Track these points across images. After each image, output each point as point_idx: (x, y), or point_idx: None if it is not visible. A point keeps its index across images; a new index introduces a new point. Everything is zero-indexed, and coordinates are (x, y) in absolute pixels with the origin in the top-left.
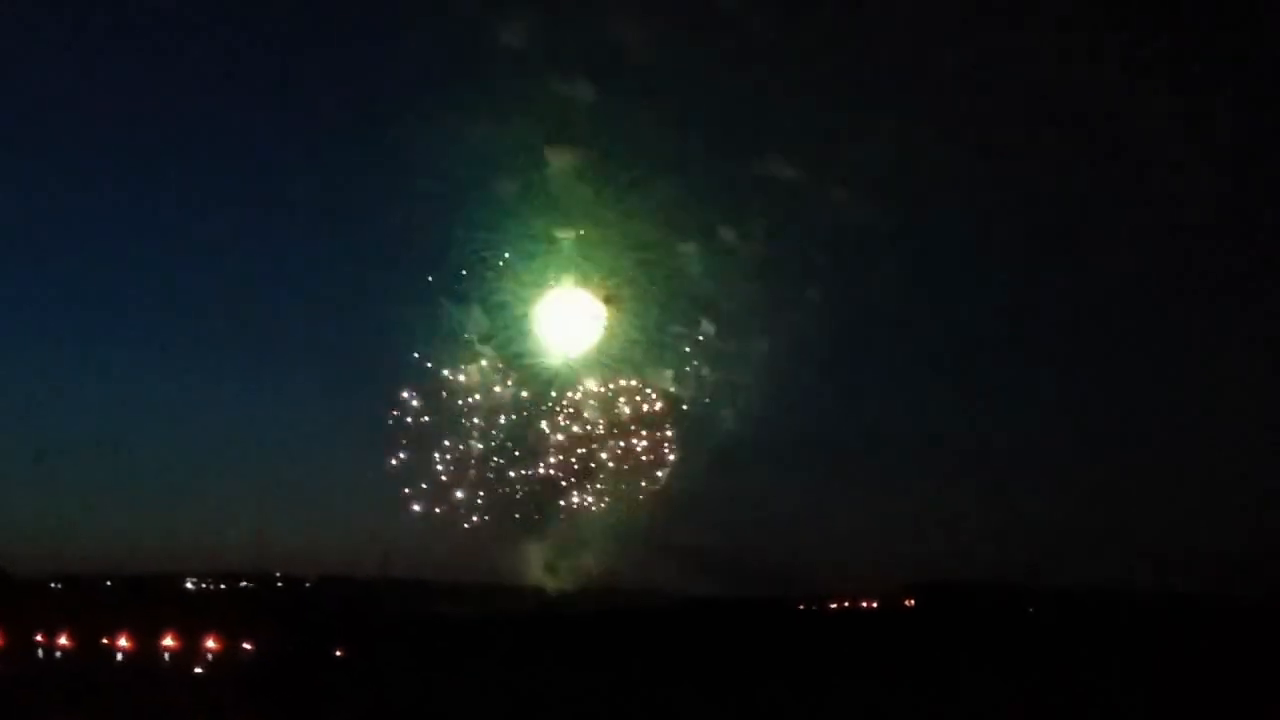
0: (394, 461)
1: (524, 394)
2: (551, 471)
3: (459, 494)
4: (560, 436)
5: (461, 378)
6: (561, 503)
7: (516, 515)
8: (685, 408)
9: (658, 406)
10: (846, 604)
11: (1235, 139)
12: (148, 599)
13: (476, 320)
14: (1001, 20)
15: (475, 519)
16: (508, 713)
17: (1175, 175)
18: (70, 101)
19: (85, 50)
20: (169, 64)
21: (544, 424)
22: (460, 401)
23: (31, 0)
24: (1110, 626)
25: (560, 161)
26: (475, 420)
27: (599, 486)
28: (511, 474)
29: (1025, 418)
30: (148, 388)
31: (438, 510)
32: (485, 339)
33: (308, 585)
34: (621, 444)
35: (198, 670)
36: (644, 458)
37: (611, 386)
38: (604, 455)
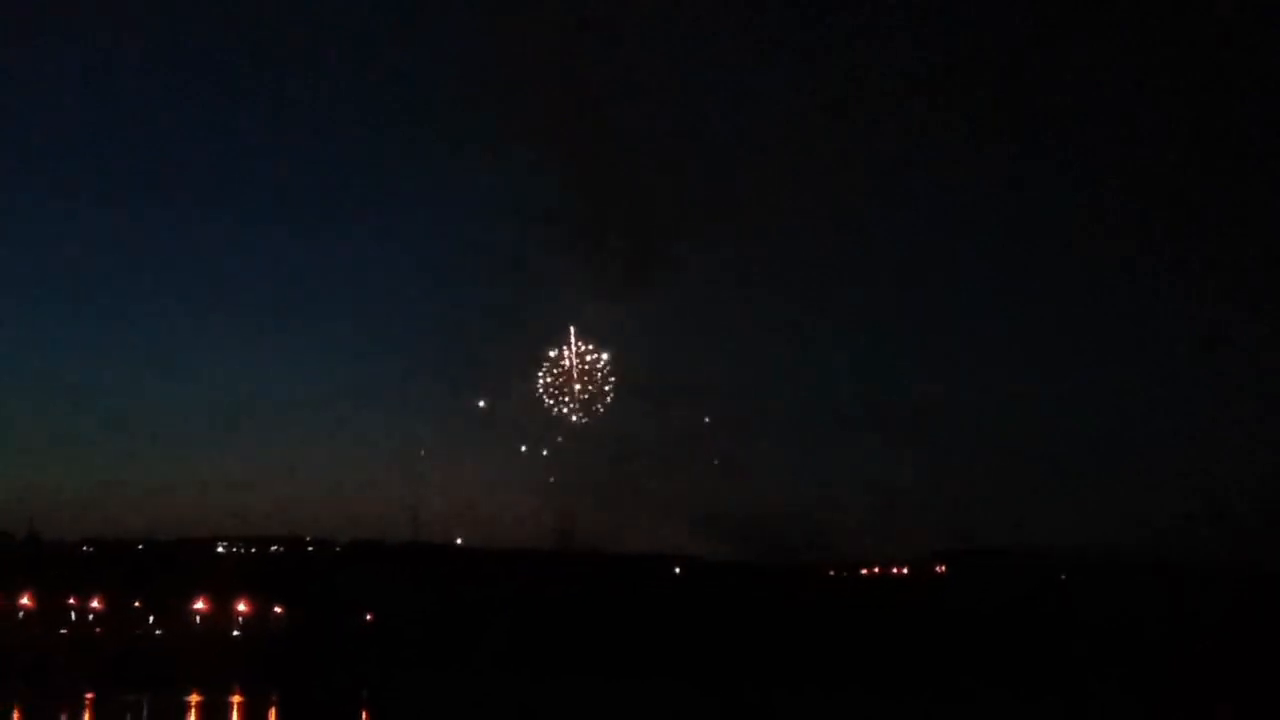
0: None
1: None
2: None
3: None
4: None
5: None
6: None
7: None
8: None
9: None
10: (877, 570)
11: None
12: (179, 563)
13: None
14: None
15: None
16: (534, 680)
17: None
18: (89, 100)
19: (112, 54)
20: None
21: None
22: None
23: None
24: (1139, 593)
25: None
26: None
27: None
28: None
29: (1054, 388)
30: (179, 355)
31: None
32: None
33: (338, 549)
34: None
35: (231, 633)
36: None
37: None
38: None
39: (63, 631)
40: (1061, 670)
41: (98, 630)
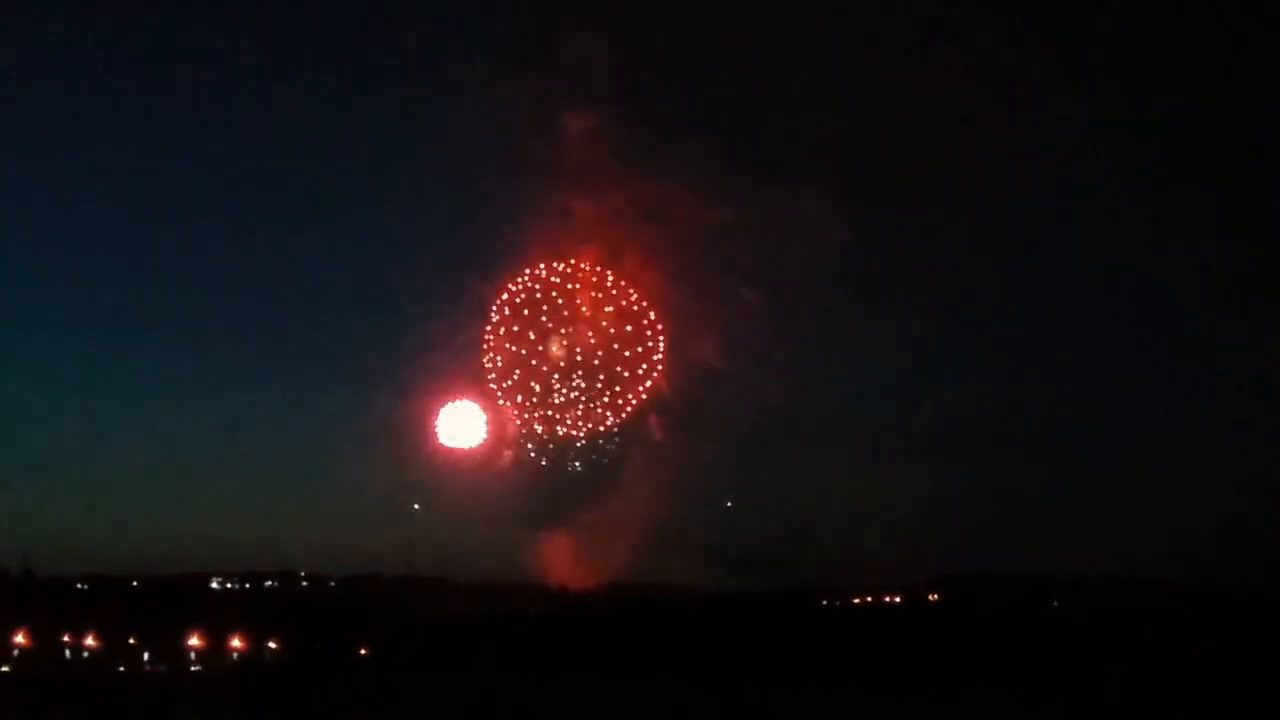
0: None
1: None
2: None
3: None
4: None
5: None
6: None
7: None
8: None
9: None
10: (870, 599)
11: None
12: (173, 599)
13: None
14: None
15: None
16: (529, 712)
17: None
18: (75, 110)
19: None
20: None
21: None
22: None
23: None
24: (1135, 618)
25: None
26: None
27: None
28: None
29: (1048, 409)
30: (173, 391)
31: None
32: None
33: (332, 584)
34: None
35: (223, 670)
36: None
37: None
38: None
39: (57, 669)
40: (1061, 670)
41: (92, 668)
